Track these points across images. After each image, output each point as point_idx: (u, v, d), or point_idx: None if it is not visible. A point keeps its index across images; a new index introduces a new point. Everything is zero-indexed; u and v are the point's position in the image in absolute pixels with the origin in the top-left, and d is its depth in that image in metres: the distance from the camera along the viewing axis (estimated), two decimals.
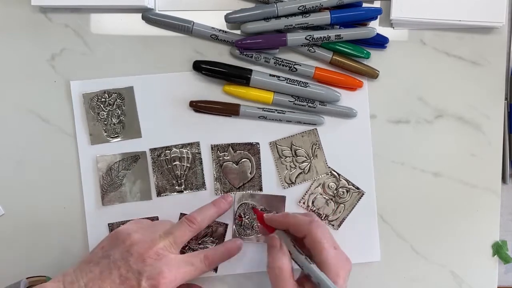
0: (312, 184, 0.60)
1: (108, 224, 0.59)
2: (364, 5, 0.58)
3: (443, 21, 0.58)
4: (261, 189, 0.60)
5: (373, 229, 0.60)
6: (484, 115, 0.60)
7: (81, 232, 0.60)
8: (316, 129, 0.60)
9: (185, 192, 0.60)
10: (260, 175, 0.60)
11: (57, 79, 0.59)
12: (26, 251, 0.60)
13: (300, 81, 0.58)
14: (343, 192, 0.60)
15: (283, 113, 0.59)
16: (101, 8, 0.59)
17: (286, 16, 0.56)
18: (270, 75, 0.58)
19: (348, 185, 0.60)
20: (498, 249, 0.60)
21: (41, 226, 0.59)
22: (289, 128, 0.60)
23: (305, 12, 0.56)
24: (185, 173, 0.59)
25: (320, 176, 0.60)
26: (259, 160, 0.60)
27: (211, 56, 0.59)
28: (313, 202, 0.60)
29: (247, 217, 0.60)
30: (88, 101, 0.59)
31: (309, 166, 0.60)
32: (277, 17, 0.56)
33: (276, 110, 0.59)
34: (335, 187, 0.60)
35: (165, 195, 0.59)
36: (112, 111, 0.59)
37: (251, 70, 0.58)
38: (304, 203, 0.60)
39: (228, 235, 0.60)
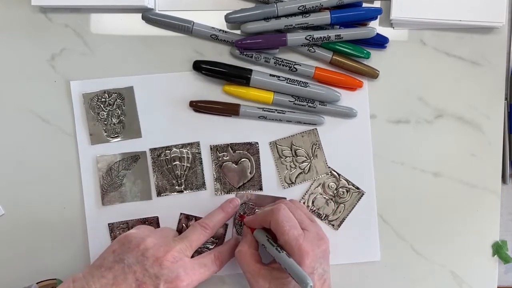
0: (312, 184, 0.60)
1: (108, 224, 0.59)
2: (364, 5, 0.58)
3: (443, 21, 0.58)
4: (261, 189, 0.60)
5: (373, 229, 0.60)
6: (484, 115, 0.60)
7: (81, 232, 0.60)
8: (316, 129, 0.60)
9: (185, 192, 0.60)
10: (260, 175, 0.60)
11: (57, 79, 0.59)
12: (26, 251, 0.60)
13: (300, 81, 0.58)
14: (343, 192, 0.60)
15: (283, 113, 0.59)
16: (101, 8, 0.59)
17: (286, 16, 0.56)
18: (270, 75, 0.58)
19: (348, 185, 0.60)
20: (498, 249, 0.60)
21: (41, 226, 0.59)
22: (289, 128, 0.60)
23: (305, 12, 0.56)
24: (185, 173, 0.59)
25: (320, 176, 0.60)
26: (258, 160, 0.60)
27: (211, 56, 0.59)
28: (313, 202, 0.60)
29: (247, 216, 0.60)
30: (88, 101, 0.59)
31: (309, 166, 0.60)
32: (277, 17, 0.56)
33: (276, 110, 0.59)
34: (335, 187, 0.60)
35: (165, 195, 0.60)
36: (112, 111, 0.59)
37: (251, 70, 0.58)
38: (304, 203, 0.60)
39: (228, 235, 0.60)
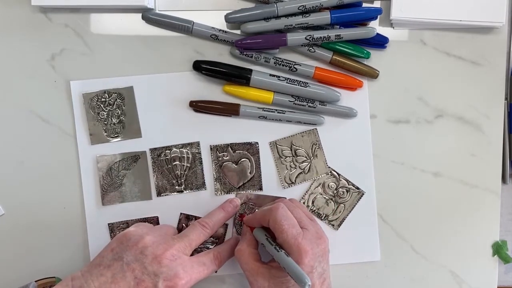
0: (312, 184, 0.60)
1: (108, 224, 0.59)
2: (364, 5, 0.58)
3: (443, 21, 0.58)
4: (261, 189, 0.60)
5: (373, 229, 0.60)
6: (484, 115, 0.60)
7: (81, 232, 0.60)
8: (316, 129, 0.60)
9: (185, 192, 0.60)
10: (260, 175, 0.60)
11: (57, 79, 0.59)
12: (26, 251, 0.60)
13: (300, 81, 0.58)
14: (343, 192, 0.60)
15: (283, 113, 0.59)
16: (101, 8, 0.59)
17: (286, 16, 0.56)
18: (270, 75, 0.58)
19: (348, 185, 0.60)
20: (498, 249, 0.60)
21: (41, 226, 0.59)
22: (289, 128, 0.60)
23: (305, 12, 0.56)
24: (185, 173, 0.59)
25: (320, 176, 0.60)
26: (258, 160, 0.60)
27: (211, 56, 0.59)
28: (313, 202, 0.60)
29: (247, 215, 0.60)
30: (88, 101, 0.59)
31: (309, 166, 0.60)
32: (277, 17, 0.56)
33: (276, 110, 0.59)
34: (335, 187, 0.60)
35: (165, 195, 0.60)
36: (112, 111, 0.59)
37: (251, 70, 0.58)
38: (304, 203, 0.60)
39: (228, 235, 0.60)
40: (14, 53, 0.59)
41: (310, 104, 0.59)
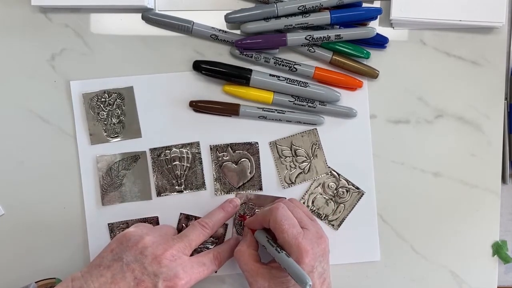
0: (312, 184, 0.60)
1: (108, 224, 0.59)
2: (364, 5, 0.58)
3: (443, 21, 0.58)
4: (261, 189, 0.60)
5: (373, 229, 0.60)
6: (484, 115, 0.60)
7: (81, 232, 0.60)
8: (316, 129, 0.60)
9: (185, 192, 0.60)
10: (260, 175, 0.60)
11: (57, 79, 0.59)
12: (26, 251, 0.60)
13: (300, 81, 0.58)
14: (343, 192, 0.60)
15: (283, 113, 0.59)
16: (101, 8, 0.59)
17: (286, 16, 0.56)
18: (270, 75, 0.58)
19: (348, 185, 0.60)
20: (498, 249, 0.60)
21: (41, 226, 0.59)
22: (289, 128, 0.60)
23: (305, 12, 0.56)
24: (185, 173, 0.59)
25: (320, 176, 0.60)
26: (258, 160, 0.60)
27: (211, 56, 0.59)
28: (313, 202, 0.60)
29: (247, 217, 0.60)
30: (88, 101, 0.59)
31: (309, 166, 0.60)
32: (277, 17, 0.56)
33: (276, 110, 0.59)
34: (335, 187, 0.60)
35: (165, 195, 0.60)
36: (112, 111, 0.59)
37: (251, 70, 0.58)
38: (304, 203, 0.60)
39: (228, 235, 0.60)
40: (14, 53, 0.59)
41: (310, 104, 0.59)
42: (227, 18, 0.57)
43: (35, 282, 0.56)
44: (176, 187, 0.59)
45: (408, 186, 0.60)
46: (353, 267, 0.61)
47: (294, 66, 0.58)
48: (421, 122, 0.60)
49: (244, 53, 0.58)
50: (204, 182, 0.60)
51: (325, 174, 0.60)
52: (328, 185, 0.60)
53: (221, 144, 0.59)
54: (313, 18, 0.56)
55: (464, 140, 0.60)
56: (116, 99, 0.59)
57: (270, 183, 0.60)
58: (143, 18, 0.58)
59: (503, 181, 0.61)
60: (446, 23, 0.58)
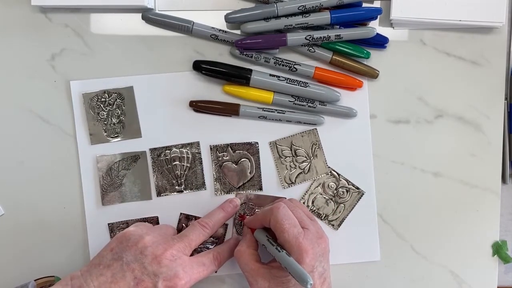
0: (312, 184, 0.60)
1: (108, 224, 0.59)
2: (364, 5, 0.58)
3: (443, 21, 0.58)
4: (261, 189, 0.60)
5: (373, 229, 0.60)
6: (484, 115, 0.60)
7: (81, 232, 0.60)
8: (316, 129, 0.60)
9: (185, 192, 0.60)
10: (260, 175, 0.60)
11: (57, 79, 0.59)
12: (26, 251, 0.60)
13: (300, 81, 0.58)
14: (343, 192, 0.60)
15: (283, 113, 0.59)
16: (101, 8, 0.59)
17: (286, 16, 0.56)
18: (270, 75, 0.58)
19: (348, 185, 0.60)
20: (498, 249, 0.60)
21: (41, 226, 0.59)
22: (289, 128, 0.60)
23: (305, 12, 0.56)
24: (185, 173, 0.59)
25: (320, 176, 0.60)
26: (258, 160, 0.60)
27: (211, 56, 0.59)
28: (313, 202, 0.60)
29: (247, 216, 0.59)
30: (88, 101, 0.59)
31: (309, 166, 0.60)
32: (277, 17, 0.56)
33: (276, 110, 0.59)
34: (335, 187, 0.60)
35: (165, 195, 0.60)
36: (112, 111, 0.59)
37: (251, 70, 0.58)
38: (304, 203, 0.60)
39: (228, 235, 0.60)
40: (14, 53, 0.59)
41: (310, 104, 0.59)
42: (227, 18, 0.57)
43: (34, 280, 0.56)
44: (176, 187, 0.59)
45: (408, 186, 0.60)
46: (353, 267, 0.61)
47: (294, 66, 0.58)
48: (421, 122, 0.60)
49: (244, 53, 0.58)
50: (204, 182, 0.60)
51: (325, 174, 0.60)
52: (328, 185, 0.60)
53: (221, 144, 0.59)
54: (313, 18, 0.56)
55: (464, 140, 0.60)
56: (116, 99, 0.59)
57: (270, 183, 0.60)
58: (143, 18, 0.58)
59: (503, 181, 0.61)
60: (446, 23, 0.58)
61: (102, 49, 0.59)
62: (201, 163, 0.59)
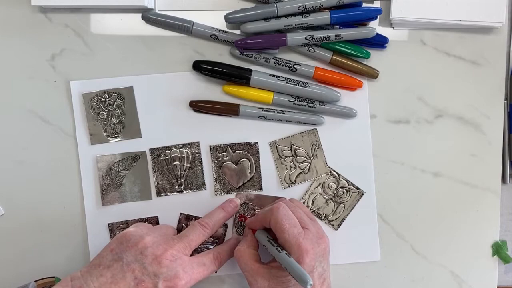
0: (312, 184, 0.60)
1: (108, 224, 0.59)
2: (364, 5, 0.58)
3: (443, 21, 0.58)
4: (261, 189, 0.60)
5: (373, 229, 0.60)
6: (484, 115, 0.60)
7: (81, 232, 0.60)
8: (316, 129, 0.60)
9: (185, 192, 0.60)
10: (260, 175, 0.60)
11: (57, 79, 0.59)
12: (26, 251, 0.60)
13: (300, 81, 0.58)
14: (343, 192, 0.60)
15: (283, 113, 0.59)
16: (101, 8, 0.59)
17: (286, 16, 0.56)
18: (270, 75, 0.58)
19: (348, 185, 0.60)
20: (498, 249, 0.60)
21: (41, 226, 0.59)
22: (289, 128, 0.60)
23: (305, 12, 0.56)
24: (185, 173, 0.59)
25: (320, 176, 0.60)
26: (258, 160, 0.60)
27: (211, 56, 0.59)
28: (313, 202, 0.60)
29: (248, 217, 0.60)
30: (88, 101, 0.59)
31: (309, 166, 0.60)
32: (277, 17, 0.56)
33: (276, 110, 0.59)
34: (335, 187, 0.60)
35: (165, 195, 0.60)
36: (112, 111, 0.59)
37: (251, 70, 0.58)
38: (304, 203, 0.60)
39: (228, 235, 0.60)
40: (14, 53, 0.59)
41: (310, 104, 0.59)
42: (227, 18, 0.57)
43: (35, 281, 0.56)
44: (176, 187, 0.59)
45: (408, 186, 0.60)
46: (353, 267, 0.61)
47: (294, 66, 0.58)
48: (421, 122, 0.60)
49: (244, 53, 0.58)
50: (204, 182, 0.60)
51: (325, 174, 0.60)
52: (328, 185, 0.60)
53: (221, 144, 0.59)
54: (313, 18, 0.56)
55: (464, 140, 0.60)
56: (116, 99, 0.59)
57: (270, 183, 0.60)
58: (143, 18, 0.58)
59: (503, 181, 0.61)
60: (446, 23, 0.58)
61: (102, 49, 0.59)
62: (201, 163, 0.59)
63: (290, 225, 0.51)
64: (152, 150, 0.59)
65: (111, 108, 0.59)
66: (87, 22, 0.59)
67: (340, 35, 0.56)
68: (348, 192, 0.60)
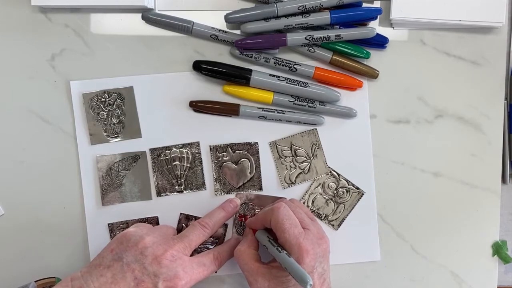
0: (312, 184, 0.60)
1: (108, 224, 0.59)
2: (364, 5, 0.58)
3: (443, 21, 0.58)
4: (261, 189, 0.60)
5: (373, 229, 0.60)
6: (484, 115, 0.60)
7: (81, 232, 0.60)
8: (316, 129, 0.60)
9: (185, 192, 0.60)
10: (260, 175, 0.60)
11: (57, 79, 0.59)
12: (26, 251, 0.60)
13: (300, 81, 0.58)
14: (343, 192, 0.60)
15: (283, 113, 0.59)
16: (101, 8, 0.59)
17: (286, 16, 0.56)
18: (270, 75, 0.58)
19: (348, 185, 0.60)
20: (498, 249, 0.60)
21: (41, 226, 0.59)
22: (289, 128, 0.60)
23: (305, 12, 0.56)
24: (185, 173, 0.59)
25: (320, 176, 0.60)
26: (258, 160, 0.60)
27: (211, 56, 0.59)
28: (313, 202, 0.60)
29: (248, 217, 0.60)
30: (88, 101, 0.59)
31: (309, 166, 0.60)
32: (277, 17, 0.56)
33: (276, 110, 0.59)
34: (335, 187, 0.60)
35: (165, 195, 0.60)
36: (112, 111, 0.59)
37: (251, 70, 0.58)
38: (304, 203, 0.60)
39: (228, 235, 0.60)
40: (14, 53, 0.59)
41: (310, 104, 0.59)
42: (227, 18, 0.57)
43: (35, 281, 0.56)
44: (176, 187, 0.59)
45: (408, 186, 0.60)
46: (353, 267, 0.61)
47: (294, 66, 0.58)
48: (421, 122, 0.60)
49: (244, 53, 0.58)
50: (204, 182, 0.60)
51: (325, 174, 0.60)
52: (328, 185, 0.60)
53: (221, 144, 0.59)
54: (313, 18, 0.56)
55: (464, 140, 0.60)
56: (116, 99, 0.59)
57: (270, 183, 0.60)
58: (143, 18, 0.58)
59: (503, 181, 0.61)
60: (446, 23, 0.58)
61: (102, 49, 0.59)
62: (201, 163, 0.59)
63: (290, 225, 0.51)
64: (152, 150, 0.59)
65: (111, 108, 0.59)
66: (87, 22, 0.59)
67: (340, 35, 0.56)
68: (348, 192, 0.60)
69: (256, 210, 0.60)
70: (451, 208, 0.61)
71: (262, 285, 0.51)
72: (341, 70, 0.59)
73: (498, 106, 0.60)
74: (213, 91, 0.59)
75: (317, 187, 0.60)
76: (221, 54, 0.59)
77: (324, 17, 0.56)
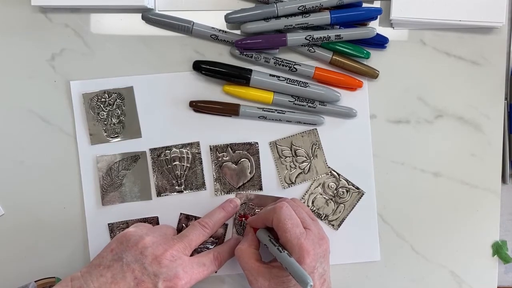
0: (312, 184, 0.60)
1: (108, 224, 0.59)
2: (364, 5, 0.58)
3: (443, 21, 0.58)
4: (261, 189, 0.60)
5: (373, 229, 0.60)
6: (484, 115, 0.60)
7: (81, 232, 0.60)
8: (316, 129, 0.60)
9: (185, 192, 0.60)
10: (260, 175, 0.60)
11: (57, 79, 0.59)
12: (26, 251, 0.60)
13: (300, 81, 0.58)
14: (343, 192, 0.60)
15: (283, 113, 0.59)
16: (101, 8, 0.59)
17: (286, 16, 0.56)
18: (270, 75, 0.58)
19: (348, 185, 0.60)
20: (498, 249, 0.60)
21: (41, 226, 0.59)
22: (289, 128, 0.60)
23: (305, 12, 0.56)
24: (185, 173, 0.59)
25: (320, 176, 0.60)
26: (258, 160, 0.60)
27: (211, 56, 0.59)
28: (313, 202, 0.60)
29: (249, 215, 0.59)
30: (88, 101, 0.59)
31: (309, 166, 0.60)
32: (277, 17, 0.56)
33: (276, 110, 0.59)
34: (335, 187, 0.60)
35: (165, 195, 0.60)
36: (112, 111, 0.59)
37: (251, 70, 0.58)
38: (304, 203, 0.60)
39: (228, 235, 0.60)
40: (14, 53, 0.59)
41: (310, 104, 0.59)
42: (227, 18, 0.57)
43: (35, 281, 0.56)
44: (176, 187, 0.59)
45: (408, 186, 0.60)
46: (353, 267, 0.61)
47: (294, 66, 0.58)
48: (421, 122, 0.60)
49: (244, 53, 0.58)
50: (204, 182, 0.60)
51: (325, 174, 0.60)
52: (328, 185, 0.60)
53: (221, 144, 0.59)
54: (313, 18, 0.56)
55: (464, 140, 0.60)
56: (116, 99, 0.59)
57: (270, 183, 0.60)
58: (143, 18, 0.58)
59: (503, 181, 0.61)
60: (446, 23, 0.58)
61: (102, 49, 0.59)
62: (201, 163, 0.59)
63: (292, 225, 0.51)
64: (152, 150, 0.59)
65: (111, 108, 0.59)
66: (87, 22, 0.59)
67: (340, 35, 0.56)
68: (348, 192, 0.60)
69: (256, 210, 0.60)
70: (451, 208, 0.61)
71: (263, 285, 0.51)
72: (341, 70, 0.59)
73: (498, 106, 0.60)
74: (213, 91, 0.59)
75: (317, 187, 0.60)
76: (221, 54, 0.59)
77: (324, 17, 0.56)
